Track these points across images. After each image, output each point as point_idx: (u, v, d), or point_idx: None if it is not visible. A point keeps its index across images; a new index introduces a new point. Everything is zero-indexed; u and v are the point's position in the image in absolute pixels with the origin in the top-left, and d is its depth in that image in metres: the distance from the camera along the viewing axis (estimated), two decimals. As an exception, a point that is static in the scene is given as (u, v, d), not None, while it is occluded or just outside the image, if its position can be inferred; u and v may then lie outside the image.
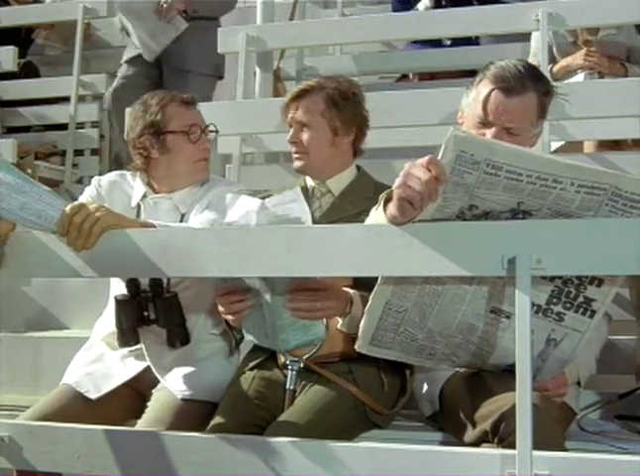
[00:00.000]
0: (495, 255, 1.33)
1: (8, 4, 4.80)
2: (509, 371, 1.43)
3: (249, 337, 1.80)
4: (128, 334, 1.99)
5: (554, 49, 3.21)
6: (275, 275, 1.55)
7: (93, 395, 1.96)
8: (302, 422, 1.68)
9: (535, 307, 1.53)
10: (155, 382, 2.01)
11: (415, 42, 4.08)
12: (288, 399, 1.78)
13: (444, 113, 2.54)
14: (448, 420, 1.77)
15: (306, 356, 1.79)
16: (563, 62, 3.19)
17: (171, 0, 3.69)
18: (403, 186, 1.34)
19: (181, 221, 2.09)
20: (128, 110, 2.64)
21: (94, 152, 4.65)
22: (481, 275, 1.46)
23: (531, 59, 2.88)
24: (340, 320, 1.78)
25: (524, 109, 1.75)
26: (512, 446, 1.33)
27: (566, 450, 1.48)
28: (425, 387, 1.88)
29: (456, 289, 1.54)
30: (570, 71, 3.16)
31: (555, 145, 2.97)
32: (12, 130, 4.57)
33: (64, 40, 4.93)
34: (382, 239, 1.40)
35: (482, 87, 1.76)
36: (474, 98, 1.78)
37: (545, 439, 1.38)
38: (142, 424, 1.89)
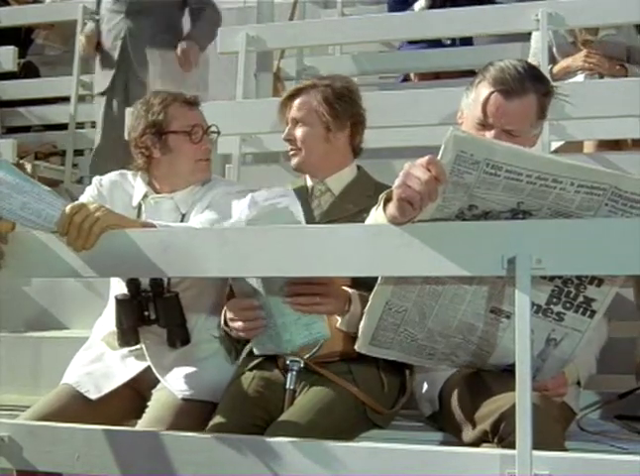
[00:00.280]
0: (495, 255, 1.33)
1: (8, 4, 4.80)
2: (509, 371, 1.43)
3: (255, 349, 1.81)
4: (128, 334, 1.99)
5: (554, 49, 3.21)
6: (275, 275, 1.55)
7: (93, 395, 1.96)
8: (303, 423, 1.68)
9: (535, 307, 1.53)
10: (155, 382, 2.01)
11: (411, 42, 4.09)
12: (288, 398, 1.79)
13: (444, 113, 2.54)
14: (448, 420, 1.77)
15: (307, 355, 1.80)
16: (563, 64, 3.19)
17: (187, 49, 3.76)
18: (403, 186, 1.34)
19: (182, 221, 2.09)
20: (129, 110, 2.65)
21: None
22: (481, 275, 1.46)
23: (531, 60, 2.88)
24: (339, 319, 1.78)
25: (524, 111, 1.75)
26: (512, 446, 1.33)
27: (566, 450, 1.48)
28: (425, 387, 1.88)
29: (456, 289, 1.54)
30: (569, 73, 3.16)
31: (555, 145, 2.97)
32: (12, 130, 4.58)
33: (64, 40, 4.94)
34: (382, 239, 1.40)
35: (482, 89, 1.76)
36: (473, 99, 1.78)
37: (545, 439, 1.38)
38: (142, 424, 1.89)
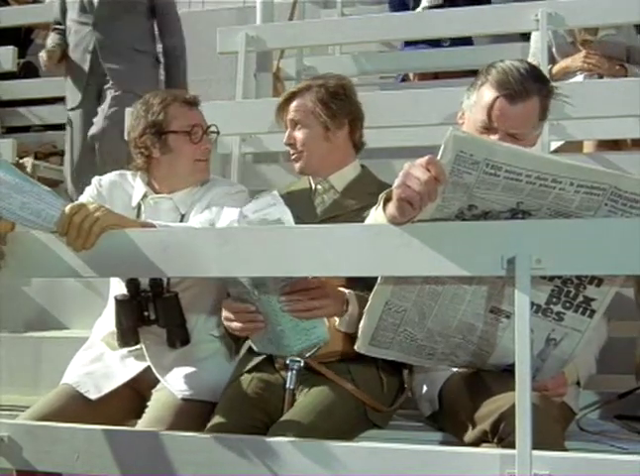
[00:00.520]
0: (495, 255, 1.33)
1: (8, 4, 4.80)
2: (509, 371, 1.43)
3: (254, 346, 1.81)
4: (128, 334, 1.99)
5: (553, 49, 3.21)
6: (275, 275, 1.55)
7: (93, 395, 1.96)
8: (304, 424, 1.68)
9: (535, 307, 1.53)
10: (155, 382, 2.01)
11: (412, 42, 4.10)
12: (288, 398, 1.79)
13: (444, 113, 2.54)
14: (447, 420, 1.77)
15: (307, 355, 1.79)
16: (562, 64, 3.19)
17: None
18: (402, 186, 1.34)
19: (181, 221, 2.09)
20: (129, 110, 2.65)
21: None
22: (481, 275, 1.46)
23: (530, 60, 2.88)
24: (337, 320, 1.78)
25: (527, 114, 1.75)
26: (512, 446, 1.33)
27: (565, 450, 1.48)
28: (425, 387, 1.88)
29: (455, 288, 1.54)
30: (569, 73, 3.16)
31: (554, 145, 2.97)
32: (12, 130, 4.58)
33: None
34: (382, 239, 1.40)
35: (485, 91, 1.76)
36: (475, 101, 1.78)
37: (544, 439, 1.38)
38: (142, 424, 1.89)
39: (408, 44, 4.15)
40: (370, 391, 1.81)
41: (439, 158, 1.32)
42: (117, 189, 2.18)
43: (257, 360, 1.93)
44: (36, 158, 4.28)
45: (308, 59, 4.13)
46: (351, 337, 1.73)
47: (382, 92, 3.62)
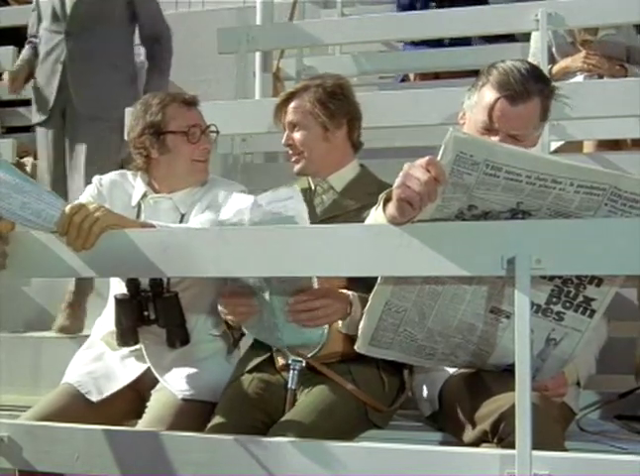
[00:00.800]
0: (495, 255, 1.33)
1: (8, 4, 4.80)
2: (509, 371, 1.43)
3: (248, 331, 1.80)
4: (127, 334, 1.99)
5: (553, 49, 3.22)
6: (275, 275, 1.55)
7: (95, 397, 1.96)
8: (305, 424, 1.68)
9: (535, 307, 1.53)
10: (155, 382, 2.01)
11: (412, 42, 4.10)
12: (290, 398, 1.79)
13: (444, 113, 2.54)
14: (447, 420, 1.77)
15: (308, 356, 1.80)
16: (562, 64, 3.19)
17: None
18: (402, 187, 1.34)
19: (181, 221, 2.09)
20: (129, 110, 2.65)
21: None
22: (481, 275, 1.46)
23: (530, 60, 2.88)
24: (339, 322, 1.78)
25: (528, 115, 1.75)
26: (512, 446, 1.33)
27: (565, 450, 1.48)
28: (425, 387, 1.88)
29: (455, 288, 1.54)
30: (568, 73, 3.16)
31: (555, 145, 2.97)
32: (12, 130, 4.57)
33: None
34: (382, 239, 1.40)
35: (486, 92, 1.76)
36: (476, 102, 1.78)
37: (544, 439, 1.38)
38: (142, 425, 1.89)
39: (409, 43, 4.15)
40: (371, 391, 1.81)
41: (439, 158, 1.32)
42: (117, 189, 2.18)
43: (257, 360, 1.93)
44: (35, 158, 4.28)
45: (308, 59, 4.14)
46: (351, 338, 1.73)
47: (382, 92, 3.61)
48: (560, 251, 1.32)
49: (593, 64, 3.11)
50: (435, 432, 1.83)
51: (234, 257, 1.48)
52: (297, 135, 2.05)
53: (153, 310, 1.97)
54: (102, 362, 2.06)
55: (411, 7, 4.07)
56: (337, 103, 2.04)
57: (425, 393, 1.88)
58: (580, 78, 3.11)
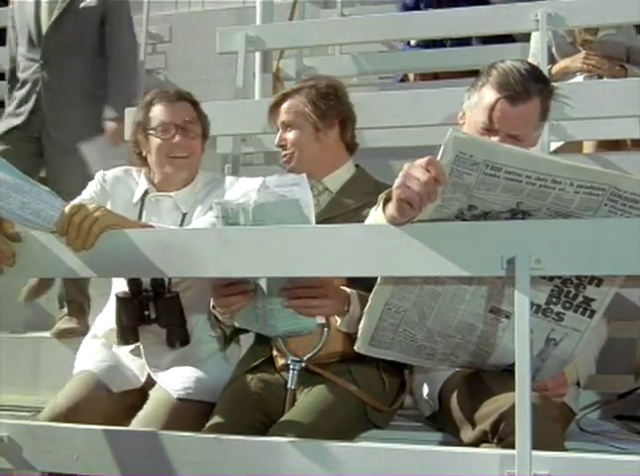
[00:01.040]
0: (495, 255, 1.33)
1: (8, 4, 4.79)
2: (509, 371, 1.43)
3: (239, 324, 1.79)
4: (127, 333, 1.99)
5: (553, 49, 3.21)
6: (275, 275, 1.55)
7: (115, 388, 1.98)
8: (305, 424, 1.68)
9: (534, 307, 1.53)
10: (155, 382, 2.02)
11: (408, 43, 4.09)
12: (289, 398, 1.79)
13: (444, 113, 2.54)
14: (447, 420, 1.77)
15: (307, 356, 1.80)
16: (561, 64, 3.19)
17: (112, 132, 3.18)
18: (402, 187, 1.34)
19: (183, 221, 2.10)
20: (129, 110, 2.65)
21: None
22: (481, 275, 1.46)
23: (530, 60, 2.88)
24: (338, 320, 1.78)
25: (528, 116, 1.75)
26: (512, 446, 1.33)
27: (565, 450, 1.48)
28: (424, 387, 1.88)
29: (455, 289, 1.54)
30: (568, 73, 3.15)
31: (554, 145, 2.97)
32: (12, 130, 4.55)
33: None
34: (382, 239, 1.40)
35: (486, 92, 1.76)
36: (476, 102, 1.78)
37: (544, 439, 1.38)
38: (136, 423, 1.88)
39: (408, 44, 4.15)
40: (371, 391, 1.81)
41: (439, 158, 1.32)
42: (121, 185, 2.18)
43: (257, 360, 1.93)
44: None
45: (308, 59, 4.13)
46: (351, 337, 1.73)
47: (383, 92, 3.61)
48: (560, 251, 1.32)
49: (593, 65, 3.11)
50: (435, 432, 1.83)
51: (234, 257, 1.47)
52: (290, 135, 2.06)
53: (153, 310, 1.98)
54: (112, 352, 2.07)
55: (416, 9, 4.07)
56: (329, 103, 2.05)
57: (425, 393, 1.88)
58: (579, 79, 3.10)
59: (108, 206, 1.92)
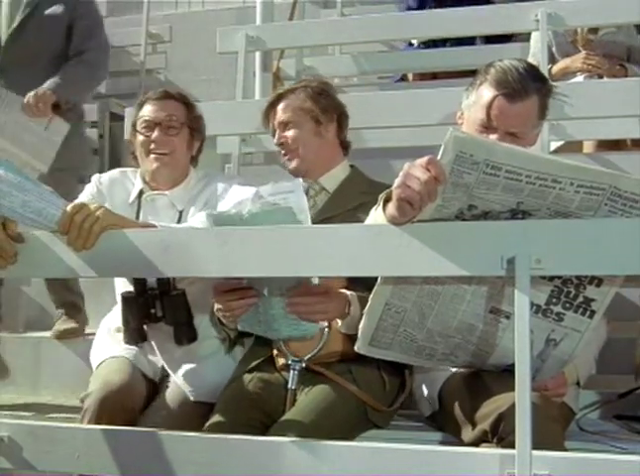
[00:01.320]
0: (495, 255, 1.33)
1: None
2: (509, 371, 1.43)
3: (242, 326, 1.80)
4: (135, 332, 1.99)
5: (553, 48, 3.21)
6: (275, 275, 1.55)
7: (151, 374, 2.03)
8: (305, 423, 1.68)
9: (534, 307, 1.53)
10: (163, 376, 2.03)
11: (409, 44, 4.09)
12: (290, 398, 1.79)
13: (443, 113, 2.54)
14: (447, 420, 1.77)
15: (307, 356, 1.80)
16: (561, 64, 3.18)
17: (38, 94, 2.93)
18: (402, 187, 1.34)
19: (179, 218, 2.10)
20: (128, 111, 2.65)
21: (94, 151, 4.66)
22: (481, 275, 1.46)
23: (530, 60, 2.88)
24: (339, 322, 1.78)
25: (527, 113, 1.75)
26: (512, 446, 1.33)
27: (565, 450, 1.48)
28: (424, 387, 1.88)
29: (455, 289, 1.54)
30: (568, 73, 3.15)
31: (554, 145, 2.97)
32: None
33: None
34: (382, 239, 1.40)
35: (484, 90, 1.76)
36: (474, 101, 1.78)
37: (544, 439, 1.38)
38: (154, 422, 1.89)
39: (407, 45, 4.15)
40: (371, 391, 1.81)
41: (439, 158, 1.32)
42: (117, 186, 2.19)
43: (258, 360, 1.93)
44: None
45: (308, 59, 4.14)
46: (351, 338, 1.73)
47: (382, 92, 3.61)
48: (560, 251, 1.32)
49: (593, 65, 3.11)
50: (435, 432, 1.83)
51: (234, 257, 1.47)
52: (290, 133, 2.07)
53: (160, 308, 1.98)
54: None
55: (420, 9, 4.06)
56: (327, 98, 2.09)
57: (425, 393, 1.88)
58: (579, 79, 3.10)
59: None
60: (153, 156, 2.13)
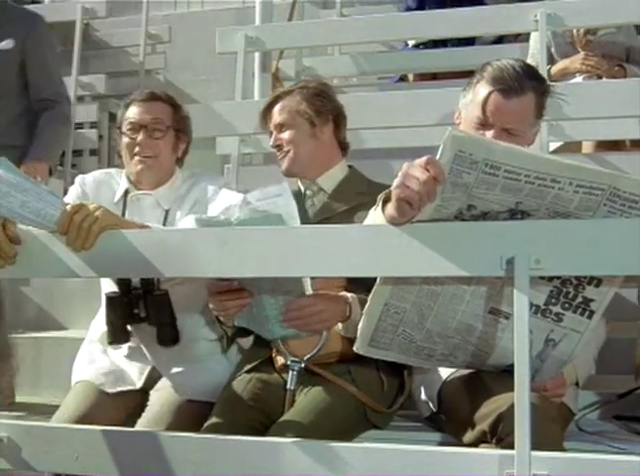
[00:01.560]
0: (494, 255, 1.33)
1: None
2: (508, 371, 1.43)
3: (239, 323, 1.80)
4: (118, 332, 1.99)
5: (552, 49, 3.21)
6: (274, 275, 1.55)
7: (109, 389, 2.01)
8: (305, 423, 1.68)
9: (534, 308, 1.53)
10: (155, 381, 2.02)
11: (406, 44, 4.09)
12: (289, 399, 1.79)
13: (442, 113, 2.54)
14: (446, 421, 1.77)
15: (307, 357, 1.80)
16: (560, 65, 3.18)
17: (34, 168, 2.86)
18: (402, 187, 1.34)
19: (165, 217, 2.09)
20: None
21: (93, 152, 4.66)
22: (480, 275, 1.46)
23: (529, 60, 2.88)
24: (339, 325, 1.78)
25: (523, 110, 1.75)
26: (511, 446, 1.33)
27: (564, 450, 1.48)
28: (423, 387, 1.88)
29: (454, 289, 1.54)
30: (567, 74, 3.15)
31: (553, 145, 2.97)
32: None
33: (63, 40, 4.93)
34: (381, 239, 1.40)
35: (480, 88, 1.76)
36: (471, 99, 1.78)
37: (543, 440, 1.38)
38: (141, 424, 1.89)
39: (407, 45, 4.15)
40: (370, 392, 1.81)
41: (438, 158, 1.32)
42: (103, 187, 2.18)
43: (257, 361, 1.93)
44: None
45: (307, 59, 4.14)
46: (350, 338, 1.73)
47: (381, 93, 3.61)
48: (559, 251, 1.32)
49: (592, 66, 3.11)
50: (434, 433, 1.83)
51: (233, 257, 1.47)
52: (285, 134, 2.07)
53: (143, 308, 1.97)
54: (108, 357, 2.09)
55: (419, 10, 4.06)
56: (322, 100, 2.08)
57: (423, 393, 1.88)
58: (578, 79, 3.10)
59: None
60: (137, 158, 2.12)
